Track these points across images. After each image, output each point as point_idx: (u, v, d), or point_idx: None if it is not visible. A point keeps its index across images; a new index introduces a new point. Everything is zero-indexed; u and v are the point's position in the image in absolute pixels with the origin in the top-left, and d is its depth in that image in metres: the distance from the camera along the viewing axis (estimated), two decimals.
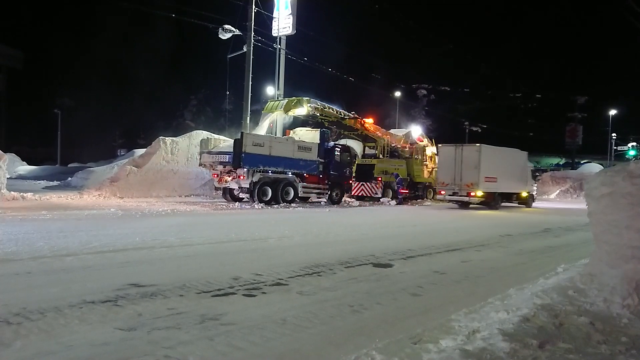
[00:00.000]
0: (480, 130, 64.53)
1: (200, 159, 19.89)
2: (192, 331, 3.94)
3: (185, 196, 21.13)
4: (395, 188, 23.78)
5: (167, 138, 23.11)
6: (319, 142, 20.94)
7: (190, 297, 4.92)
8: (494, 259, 8.30)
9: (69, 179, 28.41)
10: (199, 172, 22.69)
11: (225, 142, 20.57)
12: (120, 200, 17.94)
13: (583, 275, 4.87)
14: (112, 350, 3.48)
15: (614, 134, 62.83)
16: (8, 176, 18.16)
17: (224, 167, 18.56)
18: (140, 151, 28.19)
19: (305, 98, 21.60)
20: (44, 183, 30.03)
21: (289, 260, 7.18)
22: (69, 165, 50.02)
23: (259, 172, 18.35)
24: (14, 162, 43.21)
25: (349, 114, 23.94)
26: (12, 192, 16.22)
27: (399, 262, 7.44)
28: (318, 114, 22.46)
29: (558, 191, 43.71)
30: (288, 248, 8.52)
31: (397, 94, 52.60)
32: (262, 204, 18.14)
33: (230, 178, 18.48)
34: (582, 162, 66.42)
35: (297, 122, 24.71)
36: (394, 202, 23.27)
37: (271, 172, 18.77)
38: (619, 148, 64.20)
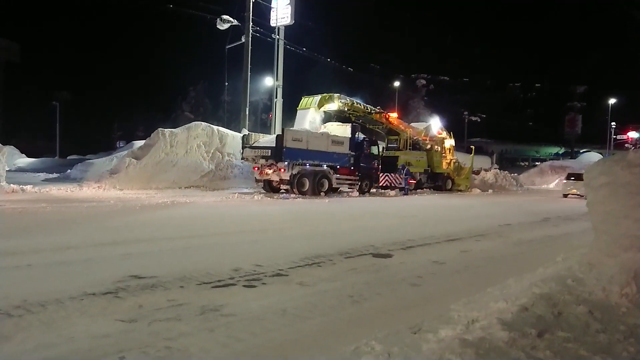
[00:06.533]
0: (479, 120, 64.53)
1: (242, 153, 21.01)
2: (192, 322, 3.95)
3: (185, 188, 21.13)
4: (404, 179, 23.98)
5: (166, 130, 23.06)
6: (349, 136, 21.86)
7: (191, 289, 4.94)
8: (493, 248, 8.33)
9: (68, 171, 28.40)
10: (198, 164, 22.70)
11: (264, 137, 21.71)
12: (120, 192, 17.94)
13: (582, 265, 4.88)
14: (113, 342, 3.49)
15: (613, 123, 62.76)
16: (7, 169, 18.16)
17: (266, 160, 19.65)
18: (139, 143, 28.15)
19: (336, 94, 22.83)
20: (43, 175, 30.01)
21: (289, 251, 7.19)
22: (68, 158, 49.99)
23: (298, 165, 19.46)
24: (13, 155, 43.20)
25: (375, 108, 25.02)
26: (12, 185, 16.21)
27: (398, 252, 7.46)
28: (347, 109, 23.53)
29: (557, 180, 43.77)
30: (290, 238, 8.54)
31: (396, 84, 52.48)
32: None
33: (272, 171, 19.60)
34: (581, 151, 66.50)
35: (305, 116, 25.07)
36: (393, 192, 23.31)
37: (308, 165, 19.89)
38: (619, 137, 64.15)
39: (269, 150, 19.39)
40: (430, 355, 3.00)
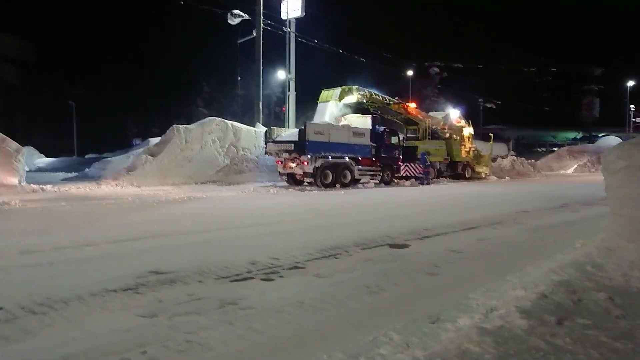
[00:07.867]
0: (494, 107, 63.75)
1: (265, 147, 21.34)
2: (212, 316, 4.00)
3: (201, 183, 21.29)
4: (421, 168, 23.92)
5: (180, 126, 23.20)
6: (370, 127, 22.03)
7: (209, 283, 4.99)
8: (510, 236, 8.26)
9: (87, 169, 28.74)
10: (213, 159, 22.84)
11: (286, 131, 22.02)
12: (138, 189, 18.13)
13: (601, 250, 4.83)
14: (134, 337, 3.55)
15: (632, 106, 61.61)
16: (27, 169, 18.45)
17: (289, 154, 19.96)
18: (155, 140, 28.36)
19: (354, 86, 23.09)
20: (62, 175, 30.40)
21: (305, 243, 7.21)
22: (86, 156, 50.60)
23: (321, 157, 19.73)
24: (32, 155, 43.84)
25: (393, 99, 25.32)
26: (32, 185, 16.47)
27: (415, 242, 7.44)
28: (365, 101, 23.81)
29: (576, 166, 43.19)
30: (306, 230, 8.56)
31: (410, 72, 52.09)
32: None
33: (295, 164, 19.96)
34: (599, 135, 65.38)
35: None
36: (408, 182, 23.25)
37: (331, 158, 20.12)
38: (638, 120, 62.95)
39: (292, 144, 19.62)
40: (449, 345, 3.00)
